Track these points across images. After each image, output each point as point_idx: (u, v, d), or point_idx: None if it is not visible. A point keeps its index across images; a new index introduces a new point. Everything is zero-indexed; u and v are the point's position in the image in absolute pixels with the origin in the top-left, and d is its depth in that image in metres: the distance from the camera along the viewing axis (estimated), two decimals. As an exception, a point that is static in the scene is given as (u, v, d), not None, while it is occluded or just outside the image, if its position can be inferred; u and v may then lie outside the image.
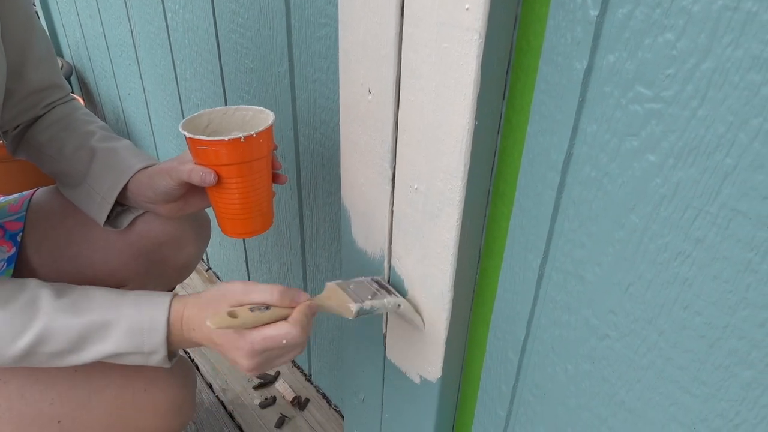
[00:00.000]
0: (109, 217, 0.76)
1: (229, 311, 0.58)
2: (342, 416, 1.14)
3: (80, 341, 0.62)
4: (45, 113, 0.79)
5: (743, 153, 0.40)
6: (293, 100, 0.88)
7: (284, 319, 0.60)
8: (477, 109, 0.53)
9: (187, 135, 0.64)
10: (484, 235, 0.64)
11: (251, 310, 0.59)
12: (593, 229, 0.52)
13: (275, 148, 0.71)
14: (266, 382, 1.21)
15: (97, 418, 0.72)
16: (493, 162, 0.59)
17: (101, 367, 0.73)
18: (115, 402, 0.72)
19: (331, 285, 0.68)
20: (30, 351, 0.62)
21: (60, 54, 2.13)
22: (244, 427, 1.11)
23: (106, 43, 1.61)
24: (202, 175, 0.65)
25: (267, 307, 0.60)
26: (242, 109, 0.72)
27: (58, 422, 0.70)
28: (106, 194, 0.74)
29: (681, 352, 0.49)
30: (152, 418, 0.74)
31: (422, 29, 0.54)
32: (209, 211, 0.88)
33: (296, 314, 0.60)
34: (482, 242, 0.64)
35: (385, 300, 0.67)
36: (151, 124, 1.52)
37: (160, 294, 0.65)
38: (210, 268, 1.53)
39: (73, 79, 2.03)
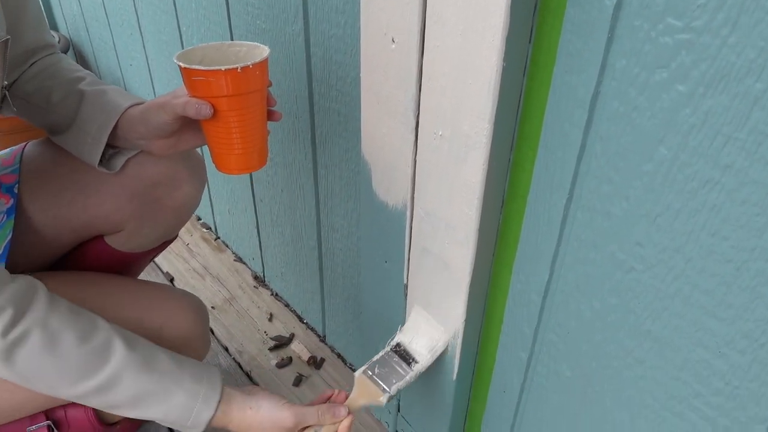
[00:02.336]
0: (102, 159, 0.75)
1: None
2: (358, 374, 1.16)
3: (137, 400, 0.66)
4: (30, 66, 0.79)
5: (775, 76, 0.42)
6: (308, 58, 0.89)
7: None
8: (505, 51, 0.54)
9: (183, 65, 0.63)
10: (508, 177, 0.65)
11: None
12: (621, 164, 0.54)
13: (269, 84, 0.70)
14: (281, 343, 1.23)
15: None
16: (519, 103, 0.60)
17: (116, 306, 0.75)
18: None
19: (360, 377, 0.77)
20: (89, 394, 0.64)
21: (55, 28, 2.10)
22: (262, 385, 1.14)
23: (106, 13, 1.60)
24: (197, 107, 0.64)
25: None
26: (236, 44, 0.71)
27: None
28: (96, 134, 0.73)
29: (708, 277, 0.51)
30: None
31: (451, -30, 0.55)
32: (204, 153, 0.89)
33: None
34: (506, 185, 0.66)
35: (408, 377, 0.76)
36: (155, 94, 1.51)
37: (210, 369, 0.72)
38: (218, 237, 1.54)
39: (70, 53, 2.01)
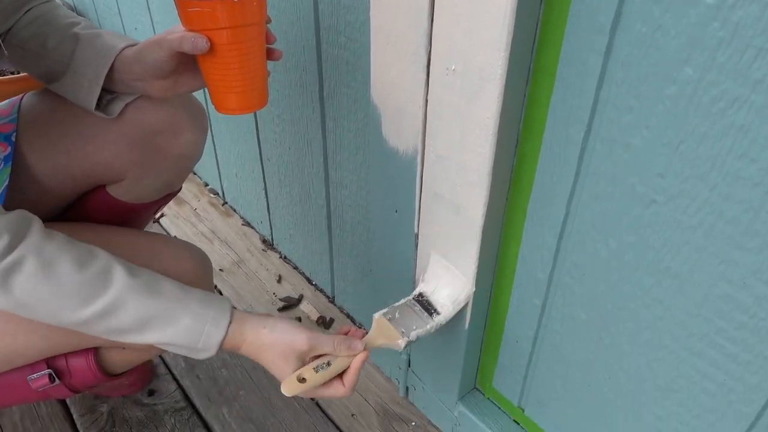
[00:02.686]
0: (100, 105, 0.74)
1: (297, 374, 0.67)
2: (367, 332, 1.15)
3: (144, 324, 0.65)
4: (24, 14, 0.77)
5: (812, -23, 0.39)
6: (315, 4, 0.86)
7: (342, 369, 0.69)
8: (522, -28, 0.52)
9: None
10: (523, 113, 0.63)
11: (315, 370, 0.67)
12: (642, 89, 0.51)
13: (269, 21, 0.68)
14: (290, 304, 1.22)
15: None
16: (536, 32, 0.58)
17: (118, 252, 0.74)
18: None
19: (378, 318, 0.75)
20: (92, 320, 0.63)
21: (59, -5, 2.07)
22: (271, 345, 1.13)
23: (110, -25, 1.57)
24: (193, 40, 0.62)
25: (328, 363, 0.68)
26: None
27: None
28: (92, 77, 0.71)
29: (733, 205, 0.49)
30: None
31: None
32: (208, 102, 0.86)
33: (352, 376, 0.69)
34: (521, 122, 0.64)
35: (428, 326, 0.74)
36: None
37: (221, 298, 0.70)
38: (226, 202, 1.53)
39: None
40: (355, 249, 1.06)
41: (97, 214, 0.85)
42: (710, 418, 0.59)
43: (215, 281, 1.29)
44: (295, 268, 1.33)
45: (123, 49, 0.71)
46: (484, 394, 0.92)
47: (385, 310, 0.75)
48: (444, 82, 0.64)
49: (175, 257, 0.78)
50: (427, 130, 0.70)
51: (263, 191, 1.31)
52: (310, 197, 1.13)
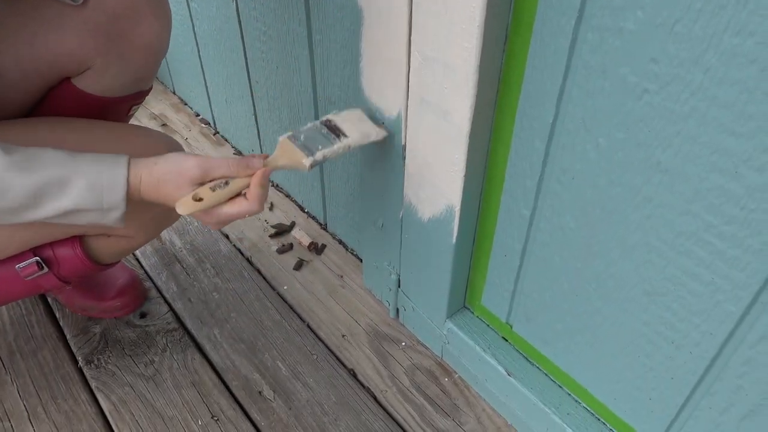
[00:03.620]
0: None
1: (193, 194, 0.64)
2: (360, 259, 1.15)
3: (36, 198, 0.62)
4: None
5: None
6: None
7: (243, 189, 0.66)
8: None
9: None
10: (511, 9, 0.59)
11: (212, 189, 0.64)
12: (637, -35, 0.48)
13: None
14: (282, 231, 1.21)
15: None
16: None
17: (90, 141, 0.74)
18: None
19: (283, 139, 0.72)
20: None
21: None
22: (262, 270, 1.13)
23: None
24: None
25: (226, 182, 0.65)
26: None
27: None
28: None
29: (727, 87, 0.46)
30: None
31: None
32: None
33: (253, 189, 0.65)
34: (510, 15, 0.60)
35: (335, 146, 0.72)
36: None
37: (116, 155, 0.66)
38: (217, 132, 1.50)
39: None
40: (346, 172, 1.04)
41: (66, 109, 0.83)
42: (696, 320, 0.58)
43: (206, 209, 1.28)
44: (287, 195, 1.31)
45: None
46: (473, 312, 0.91)
47: (289, 133, 0.73)
48: (429, -28, 0.60)
49: (145, 144, 0.77)
50: (412, 30, 0.66)
51: (253, 117, 1.27)
52: (299, 119, 1.10)
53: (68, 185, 0.63)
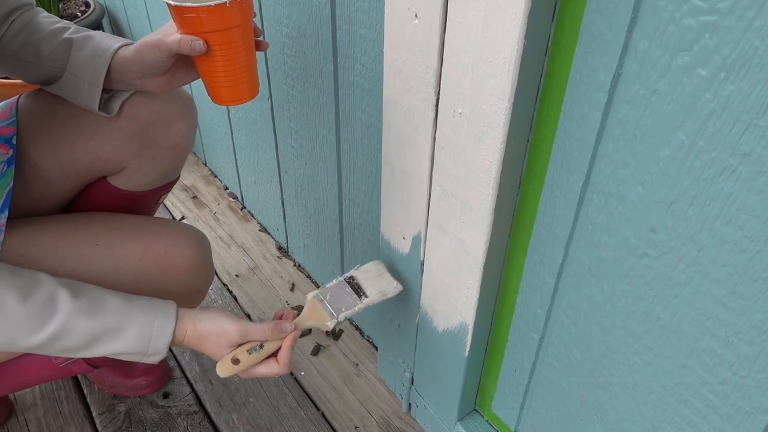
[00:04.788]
0: (99, 103, 0.78)
1: (231, 357, 0.73)
2: (375, 347, 1.18)
3: (93, 341, 0.70)
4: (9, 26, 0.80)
5: (798, 63, 0.40)
6: (333, 31, 0.89)
7: (276, 351, 0.75)
8: (527, 29, 0.53)
9: (173, 3, 0.65)
10: (526, 159, 0.65)
11: (249, 352, 0.73)
12: (638, 148, 0.53)
13: (254, 15, 0.72)
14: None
15: (126, 283, 0.79)
16: (539, 84, 0.60)
17: (120, 238, 0.81)
18: (140, 266, 0.80)
19: (311, 299, 0.82)
20: (45, 344, 0.68)
21: (93, -5, 2.13)
22: (281, 353, 1.17)
23: (141, -18, 1.61)
24: (191, 43, 0.67)
25: (261, 345, 0.74)
26: None
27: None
28: (92, 79, 0.76)
29: (719, 267, 0.50)
30: (176, 276, 0.83)
31: (474, -54, 0.54)
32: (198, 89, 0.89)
33: (284, 353, 0.75)
34: (524, 166, 0.66)
35: (356, 308, 0.81)
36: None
37: (166, 302, 0.74)
38: (245, 207, 1.57)
39: (105, 20, 2.04)
40: (366, 258, 1.09)
41: (101, 204, 0.90)
42: (695, 464, 0.60)
43: (231, 287, 1.33)
44: (308, 276, 1.36)
45: (118, 49, 0.76)
46: (483, 416, 0.94)
47: (317, 291, 0.83)
48: (451, 123, 0.66)
49: (176, 240, 0.83)
50: (434, 166, 0.72)
51: (280, 201, 1.34)
52: (324, 211, 1.16)
53: (122, 332, 0.70)
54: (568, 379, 0.73)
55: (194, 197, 1.62)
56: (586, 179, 0.59)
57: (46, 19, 0.81)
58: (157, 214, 1.46)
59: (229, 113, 1.40)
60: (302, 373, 1.13)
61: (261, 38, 0.76)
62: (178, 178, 0.99)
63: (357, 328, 1.23)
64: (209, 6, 0.65)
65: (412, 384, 1.01)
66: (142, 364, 1.09)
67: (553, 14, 0.56)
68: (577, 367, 0.70)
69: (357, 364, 1.16)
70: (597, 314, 0.64)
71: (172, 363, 1.15)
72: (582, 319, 0.67)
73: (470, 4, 0.57)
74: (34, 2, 0.83)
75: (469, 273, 0.74)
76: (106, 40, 0.77)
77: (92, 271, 0.77)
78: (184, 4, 0.65)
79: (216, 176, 1.70)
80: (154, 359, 0.73)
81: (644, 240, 0.56)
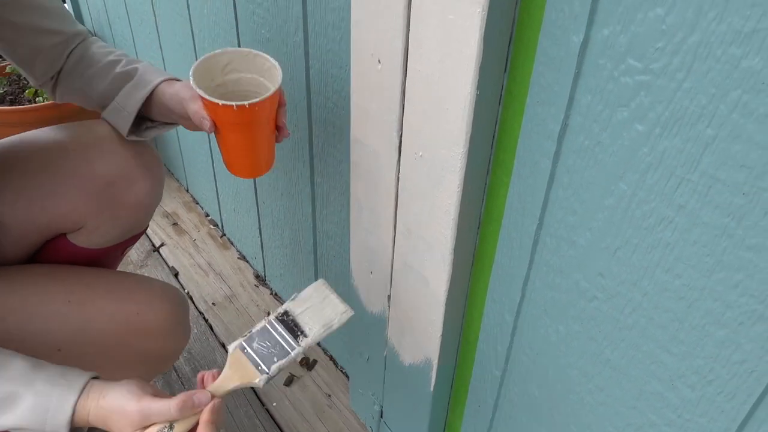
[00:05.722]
0: (138, 131, 0.84)
1: None
2: (348, 377, 1.19)
3: None
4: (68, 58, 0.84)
5: (723, 123, 0.43)
6: (307, 69, 0.91)
7: (194, 425, 0.61)
8: (479, 80, 0.56)
9: (199, 92, 0.67)
10: (484, 202, 0.67)
11: None
12: (585, 196, 0.55)
13: (283, 104, 0.74)
14: (276, 343, 1.26)
15: (94, 343, 0.78)
16: (494, 132, 0.62)
17: (93, 296, 0.80)
18: (109, 326, 0.79)
19: (234, 352, 0.66)
20: None
21: (81, 21, 2.16)
22: (254, 384, 1.17)
23: (127, 11, 1.64)
24: (201, 121, 0.71)
25: (171, 425, 0.60)
26: (261, 56, 0.74)
27: (59, 350, 0.77)
28: (130, 110, 0.81)
29: (662, 313, 0.52)
30: (148, 340, 0.81)
31: (429, 0, 0.56)
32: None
33: (202, 428, 0.61)
34: (482, 209, 0.67)
35: (293, 353, 0.66)
36: (169, 92, 1.55)
37: (80, 374, 0.64)
38: (224, 234, 1.58)
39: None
40: (339, 291, 1.10)
41: (62, 259, 0.89)
42: (647, 504, 0.61)
43: (207, 315, 1.33)
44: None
45: (159, 83, 0.80)
46: (451, 450, 0.94)
47: (240, 341, 0.66)
48: (413, 164, 0.68)
49: (150, 300, 0.83)
50: (398, 205, 0.74)
51: (258, 230, 1.35)
52: (299, 243, 1.18)
53: (16, 402, 0.62)
54: (529, 416, 0.74)
55: (175, 224, 1.63)
56: (540, 223, 0.61)
57: (100, 50, 0.85)
58: (137, 246, 1.47)
59: (210, 143, 1.42)
60: (274, 404, 1.13)
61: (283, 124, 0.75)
62: (145, 229, 0.98)
63: (331, 358, 1.23)
64: (229, 106, 0.66)
65: (381, 417, 1.01)
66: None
67: (506, 66, 0.58)
68: (537, 405, 0.71)
69: (330, 395, 1.16)
70: (553, 354, 0.66)
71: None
72: (539, 358, 0.68)
73: (427, 54, 0.60)
74: (87, 33, 0.87)
75: (433, 309, 0.75)
76: (151, 73, 0.81)
77: (60, 330, 0.77)
78: (207, 97, 0.67)
79: (197, 203, 1.71)
80: None
81: (593, 283, 0.57)
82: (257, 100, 0.67)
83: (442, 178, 0.64)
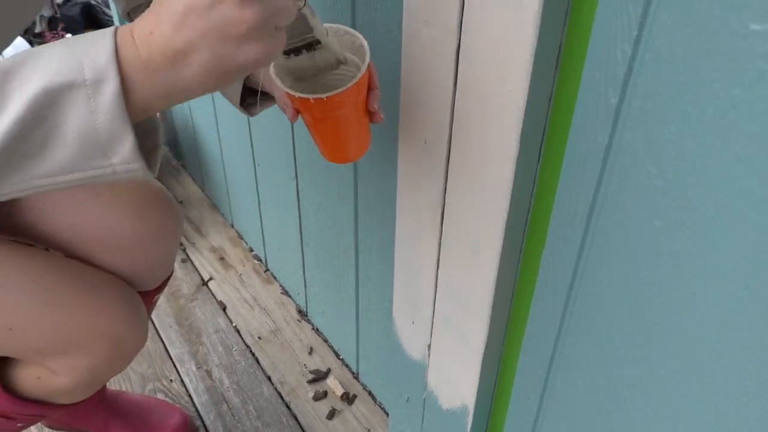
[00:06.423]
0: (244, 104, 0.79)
1: None
2: (386, 413, 1.26)
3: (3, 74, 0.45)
4: None
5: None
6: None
7: None
8: (508, 217, 0.64)
9: (276, 81, 0.62)
10: (518, 268, 0.75)
11: None
12: (612, 264, 0.62)
13: (374, 87, 0.68)
14: (318, 377, 1.34)
15: (47, 333, 0.78)
16: (524, 232, 0.70)
17: (59, 282, 0.81)
18: (67, 320, 0.79)
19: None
20: None
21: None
22: (299, 416, 1.25)
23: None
24: (284, 108, 0.67)
25: None
26: (351, 33, 0.67)
27: (10, 329, 0.77)
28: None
29: None
30: (99, 343, 0.82)
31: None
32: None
33: None
34: (517, 275, 0.75)
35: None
36: (219, 135, 1.67)
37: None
38: (268, 269, 1.68)
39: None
40: (379, 335, 1.18)
41: None
42: None
43: (254, 349, 1.43)
44: (326, 341, 1.45)
45: None
46: (485, 488, 1.01)
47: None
48: (453, 234, 0.76)
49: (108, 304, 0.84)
50: (440, 267, 0.82)
51: (301, 269, 1.44)
52: (342, 286, 1.26)
53: (39, 59, 0.45)
54: (559, 463, 0.80)
55: (221, 258, 1.73)
56: (569, 291, 0.68)
57: None
58: (188, 279, 1.58)
59: (257, 185, 1.53)
60: (318, 437, 1.22)
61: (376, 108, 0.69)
62: (171, 273, 1.05)
63: (370, 394, 1.31)
64: (307, 99, 0.61)
65: (420, 455, 1.09)
66: (167, 423, 1.18)
67: (533, 190, 0.66)
68: (566, 453, 0.78)
69: (369, 430, 1.23)
70: (582, 419, 0.73)
71: (198, 422, 1.24)
72: (571, 407, 0.75)
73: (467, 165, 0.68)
74: None
75: (470, 362, 0.82)
76: None
77: (18, 307, 0.77)
78: (285, 88, 0.62)
79: (242, 238, 1.82)
80: (107, 93, 0.44)
81: (623, 352, 0.65)
82: (336, 92, 0.61)
83: (478, 255, 0.72)
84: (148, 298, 1.01)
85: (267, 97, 0.78)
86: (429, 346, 0.92)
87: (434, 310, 0.87)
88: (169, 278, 1.05)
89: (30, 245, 0.85)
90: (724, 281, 0.51)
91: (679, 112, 0.49)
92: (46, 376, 0.86)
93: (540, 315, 0.74)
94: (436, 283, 0.84)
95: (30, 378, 0.87)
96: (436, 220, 0.79)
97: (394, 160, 0.91)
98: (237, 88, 0.75)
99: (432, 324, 0.89)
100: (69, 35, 2.56)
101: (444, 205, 0.76)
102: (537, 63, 0.57)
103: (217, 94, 1.54)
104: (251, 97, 0.79)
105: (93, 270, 0.88)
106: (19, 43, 2.18)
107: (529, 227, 0.71)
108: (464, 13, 0.62)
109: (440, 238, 0.80)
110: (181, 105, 1.94)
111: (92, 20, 2.79)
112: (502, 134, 0.63)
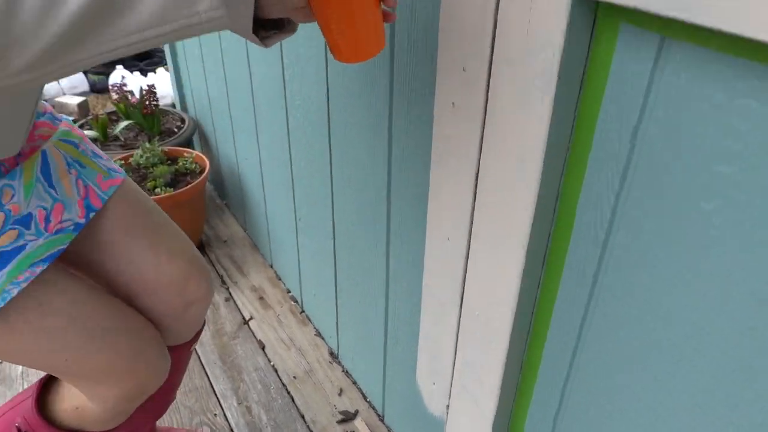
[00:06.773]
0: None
1: None
2: (408, 454, 1.39)
3: None
4: None
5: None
6: (388, 213, 1.15)
7: None
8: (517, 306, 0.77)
9: None
10: (525, 350, 0.87)
11: None
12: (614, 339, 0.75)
13: None
14: (347, 418, 1.47)
15: (95, 367, 0.86)
16: (530, 326, 0.83)
17: (118, 327, 0.89)
18: (115, 359, 0.89)
19: None
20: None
21: (185, 110, 2.50)
22: (329, 455, 1.39)
23: (229, 105, 1.94)
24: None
25: None
26: None
27: (66, 360, 0.84)
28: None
29: None
30: (129, 381, 0.91)
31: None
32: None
33: None
34: (524, 357, 0.88)
35: None
36: (265, 198, 1.83)
37: None
38: (303, 311, 1.82)
39: (195, 136, 2.39)
40: (402, 386, 1.31)
41: None
42: None
43: (290, 388, 1.57)
44: (354, 383, 1.58)
45: None
46: None
47: None
48: (470, 318, 0.90)
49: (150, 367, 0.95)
50: (458, 344, 0.95)
51: (334, 316, 1.59)
52: (371, 337, 1.40)
53: None
54: None
55: (261, 298, 1.89)
56: (569, 369, 0.81)
57: None
58: (230, 318, 1.73)
59: (297, 236, 1.68)
60: (346, 475, 1.35)
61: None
62: (203, 326, 1.18)
63: (394, 436, 1.44)
64: None
65: (437, 497, 1.21)
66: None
67: (541, 274, 0.79)
68: None
69: (392, 471, 1.36)
70: (576, 476, 0.85)
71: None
72: (566, 476, 0.87)
73: (481, 265, 0.81)
74: None
75: (483, 425, 0.95)
76: None
77: (82, 349, 0.84)
78: None
79: (280, 279, 1.97)
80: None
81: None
82: None
83: (492, 340, 0.85)
84: (187, 347, 1.13)
85: (284, 30, 0.71)
86: (447, 407, 1.05)
87: (452, 378, 1.00)
88: (200, 331, 1.16)
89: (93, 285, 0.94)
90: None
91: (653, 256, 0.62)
92: (83, 406, 0.95)
93: (542, 391, 0.87)
94: (455, 355, 0.97)
95: (69, 409, 0.96)
96: (455, 301, 0.92)
97: (421, 253, 1.05)
98: (248, 14, 0.60)
99: (450, 389, 1.02)
100: (127, 80, 2.73)
101: (463, 294, 0.90)
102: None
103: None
104: (264, 31, 0.70)
105: (139, 316, 0.97)
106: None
107: (534, 318, 0.84)
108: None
109: (459, 319, 0.93)
110: (228, 153, 2.11)
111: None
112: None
